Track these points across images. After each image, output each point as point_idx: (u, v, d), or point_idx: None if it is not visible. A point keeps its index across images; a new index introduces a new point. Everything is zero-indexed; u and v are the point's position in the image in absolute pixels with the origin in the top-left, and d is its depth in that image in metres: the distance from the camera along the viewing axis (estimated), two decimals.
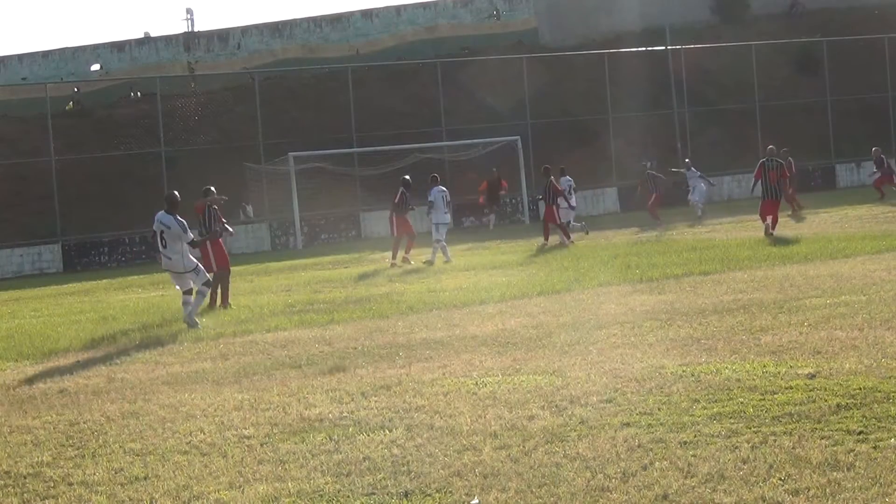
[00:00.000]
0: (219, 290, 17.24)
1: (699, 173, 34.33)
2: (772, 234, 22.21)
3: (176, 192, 15.63)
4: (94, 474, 7.14)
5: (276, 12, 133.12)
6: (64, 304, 21.29)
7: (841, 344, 9.49)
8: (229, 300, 17.33)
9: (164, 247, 15.08)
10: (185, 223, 15.04)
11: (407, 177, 25.33)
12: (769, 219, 22.70)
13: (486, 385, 8.98)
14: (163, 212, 15.19)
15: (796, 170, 32.56)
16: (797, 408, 7.33)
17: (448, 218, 24.88)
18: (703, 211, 33.35)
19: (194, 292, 15.08)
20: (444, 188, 25.16)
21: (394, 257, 23.90)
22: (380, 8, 58.05)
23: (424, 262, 23.11)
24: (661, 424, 7.18)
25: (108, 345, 13.75)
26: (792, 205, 29.79)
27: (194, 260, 15.30)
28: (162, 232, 15.05)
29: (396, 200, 24.42)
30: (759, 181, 23.26)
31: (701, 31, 50.98)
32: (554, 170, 27.45)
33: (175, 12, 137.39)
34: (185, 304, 15.04)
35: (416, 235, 24.68)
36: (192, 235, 15.15)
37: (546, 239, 26.39)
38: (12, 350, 13.95)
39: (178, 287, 15.43)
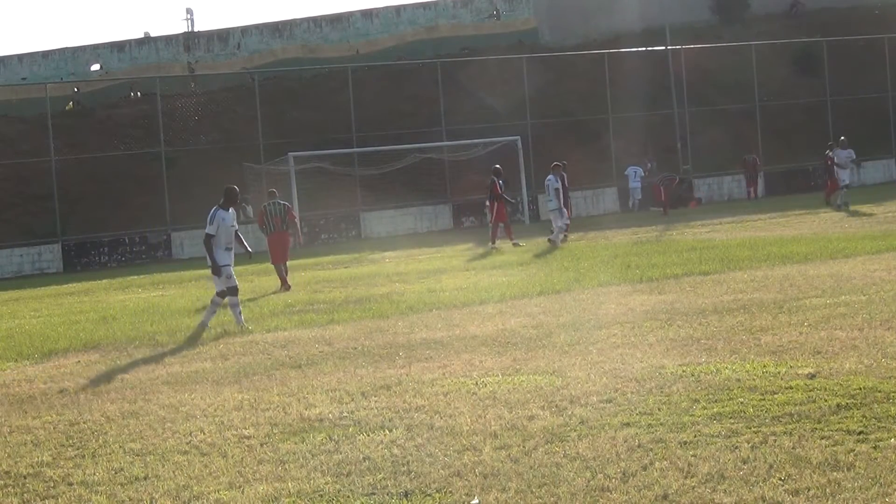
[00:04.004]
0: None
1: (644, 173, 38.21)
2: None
3: (235, 187, 15.08)
4: (94, 474, 7.14)
5: (276, 12, 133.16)
6: (64, 304, 21.29)
7: (841, 344, 9.48)
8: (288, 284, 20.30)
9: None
10: (213, 215, 14.45)
11: (498, 165, 27.80)
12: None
13: (486, 385, 8.98)
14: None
15: (761, 169, 36.99)
16: (797, 408, 7.33)
17: (552, 205, 25.89)
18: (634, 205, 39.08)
19: (226, 297, 14.57)
20: (556, 175, 26.30)
21: (493, 242, 26.75)
22: (380, 8, 58.01)
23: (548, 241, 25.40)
24: (661, 424, 7.18)
25: (108, 345, 13.75)
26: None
27: (229, 259, 14.62)
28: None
29: (495, 189, 26.70)
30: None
31: (701, 31, 50.97)
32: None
33: (175, 12, 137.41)
34: (232, 306, 14.59)
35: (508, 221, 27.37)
36: (210, 231, 14.45)
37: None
38: (12, 350, 13.95)
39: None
